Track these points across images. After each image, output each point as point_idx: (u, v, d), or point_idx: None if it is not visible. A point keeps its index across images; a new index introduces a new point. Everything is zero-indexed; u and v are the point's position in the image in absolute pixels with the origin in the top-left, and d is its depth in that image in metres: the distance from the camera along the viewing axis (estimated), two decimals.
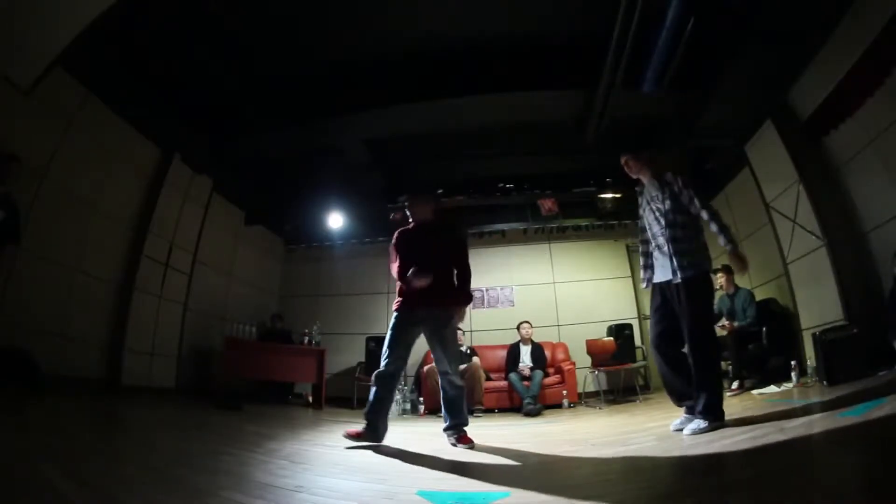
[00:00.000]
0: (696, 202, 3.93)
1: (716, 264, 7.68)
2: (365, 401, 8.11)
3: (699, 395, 3.72)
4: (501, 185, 8.86)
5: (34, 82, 4.92)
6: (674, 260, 3.89)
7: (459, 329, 4.97)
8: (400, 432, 5.40)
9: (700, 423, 3.56)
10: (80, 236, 5.81)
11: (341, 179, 8.67)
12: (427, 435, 5.20)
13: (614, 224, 9.95)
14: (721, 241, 3.93)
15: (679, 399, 3.99)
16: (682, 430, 3.73)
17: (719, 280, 7.07)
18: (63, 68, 5.27)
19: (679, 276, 3.85)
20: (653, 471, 2.54)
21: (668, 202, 4.03)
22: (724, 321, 6.80)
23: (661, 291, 4.02)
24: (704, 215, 3.92)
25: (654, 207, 4.13)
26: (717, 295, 7.25)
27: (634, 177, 4.36)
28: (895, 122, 5.08)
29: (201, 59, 6.05)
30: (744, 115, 6.65)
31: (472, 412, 7.30)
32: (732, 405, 5.26)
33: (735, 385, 6.16)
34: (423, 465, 3.32)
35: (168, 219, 7.05)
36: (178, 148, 7.16)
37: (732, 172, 8.03)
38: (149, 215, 6.75)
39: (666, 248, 3.96)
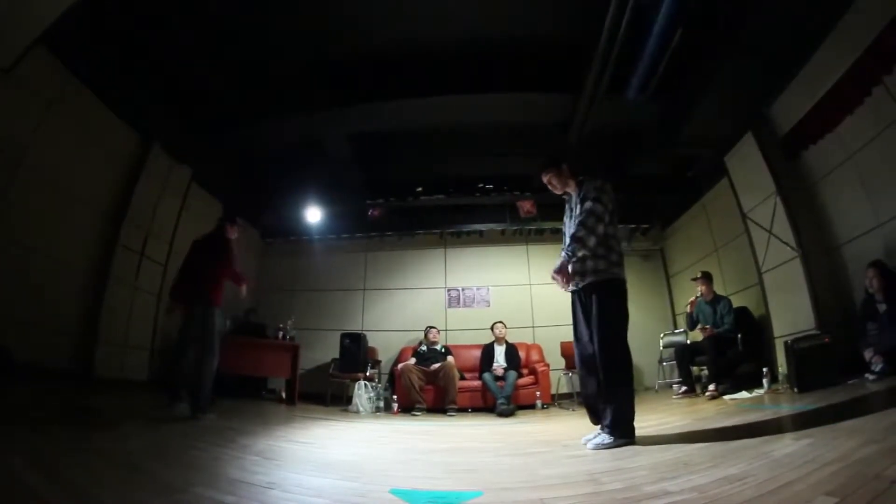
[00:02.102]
0: (587, 205, 3.75)
1: (694, 271, 7.81)
2: (339, 398, 8.11)
3: (606, 407, 3.60)
4: (481, 185, 8.89)
5: (14, 61, 4.82)
6: (587, 264, 3.76)
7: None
8: (373, 430, 5.40)
9: (605, 438, 3.46)
10: (54, 222, 5.68)
11: (321, 174, 8.64)
12: (400, 433, 5.20)
13: None
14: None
15: (596, 417, 3.85)
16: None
17: (699, 287, 7.15)
18: (45, 48, 5.16)
19: (588, 279, 3.75)
20: (625, 472, 2.56)
21: (577, 207, 3.91)
22: (706, 325, 6.86)
23: (578, 298, 3.90)
24: (581, 217, 3.73)
25: (572, 216, 4.01)
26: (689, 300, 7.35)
27: (560, 193, 4.24)
28: (873, 140, 5.19)
29: (186, 48, 6.00)
30: (725, 126, 6.73)
31: (445, 411, 7.32)
32: (706, 409, 5.33)
33: (712, 387, 6.21)
34: (396, 463, 3.32)
35: (145, 208, 6.92)
36: (158, 136, 7.03)
37: (711, 182, 8.13)
38: (125, 203, 6.62)
39: (579, 254, 3.78)
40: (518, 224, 9.74)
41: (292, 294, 10.32)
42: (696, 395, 6.54)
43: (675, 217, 9.68)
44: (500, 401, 7.27)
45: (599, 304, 3.68)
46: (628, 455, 3.10)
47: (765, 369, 6.01)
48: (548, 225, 9.72)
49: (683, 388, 6.71)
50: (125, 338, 6.50)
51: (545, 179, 4.24)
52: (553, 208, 9.20)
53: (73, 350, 5.87)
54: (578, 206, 3.89)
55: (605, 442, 3.42)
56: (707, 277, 7.15)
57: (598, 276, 3.72)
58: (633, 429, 3.53)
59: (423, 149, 8.29)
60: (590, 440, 3.63)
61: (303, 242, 10.64)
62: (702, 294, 7.19)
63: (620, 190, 8.70)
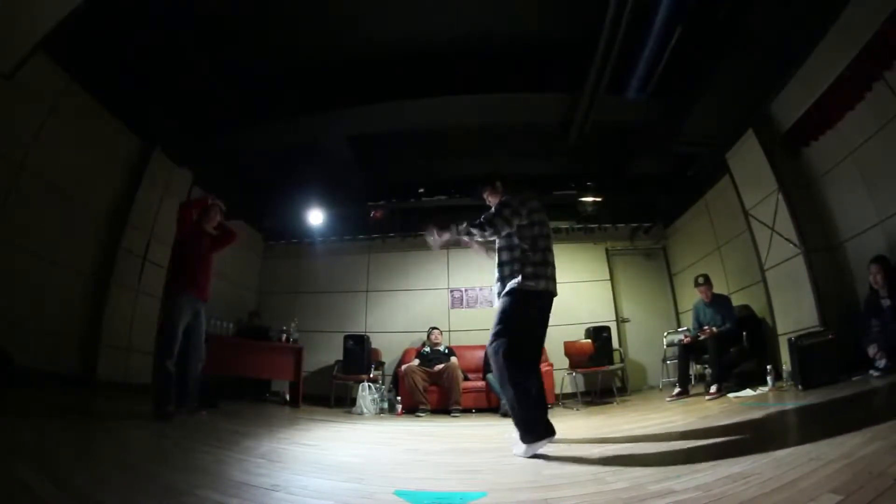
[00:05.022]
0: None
1: (697, 269, 7.81)
2: (343, 400, 8.13)
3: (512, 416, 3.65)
4: None
5: (15, 67, 4.82)
6: (497, 283, 3.87)
7: None
8: (377, 431, 5.39)
9: (517, 448, 3.44)
10: (56, 227, 5.68)
11: (323, 176, 8.64)
12: (404, 434, 5.20)
13: (594, 227, 10.06)
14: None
15: None
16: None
17: (699, 291, 7.11)
18: (46, 53, 5.15)
19: (497, 296, 3.86)
20: (630, 471, 2.55)
21: None
22: (705, 327, 6.82)
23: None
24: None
25: None
26: (695, 303, 7.32)
27: None
28: (874, 136, 5.20)
29: (186, 50, 5.99)
30: (726, 124, 6.73)
31: (449, 412, 7.32)
32: (710, 407, 5.32)
33: (714, 388, 6.20)
34: (400, 464, 3.32)
35: (147, 211, 6.91)
36: (159, 139, 7.03)
37: (713, 179, 8.13)
38: (127, 207, 6.62)
39: (496, 272, 3.92)
40: None
41: (295, 296, 10.34)
42: (690, 397, 6.51)
43: (677, 215, 9.68)
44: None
45: (499, 309, 3.77)
46: (632, 454, 3.10)
47: (768, 367, 5.99)
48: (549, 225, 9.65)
49: (677, 390, 6.65)
50: (128, 341, 6.50)
51: (484, 195, 4.33)
52: (554, 209, 9.22)
53: (75, 354, 5.88)
54: None
55: (519, 452, 3.39)
56: (708, 282, 7.12)
57: (508, 286, 3.75)
58: (539, 429, 3.45)
59: (424, 150, 8.29)
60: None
61: (305, 245, 10.67)
62: (703, 297, 7.14)
63: (622, 189, 8.79)
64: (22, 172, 5.19)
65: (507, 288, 3.73)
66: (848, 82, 5.30)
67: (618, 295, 10.03)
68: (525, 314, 3.72)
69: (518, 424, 3.47)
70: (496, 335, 3.67)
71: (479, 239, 3.87)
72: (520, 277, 3.69)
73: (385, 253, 10.64)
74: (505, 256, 3.85)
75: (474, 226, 3.79)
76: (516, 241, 3.82)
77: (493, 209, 3.91)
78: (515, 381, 3.56)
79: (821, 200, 6.14)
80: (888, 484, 1.72)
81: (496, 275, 3.89)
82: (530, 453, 3.31)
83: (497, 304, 3.84)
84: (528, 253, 3.78)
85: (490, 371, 7.82)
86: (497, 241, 3.94)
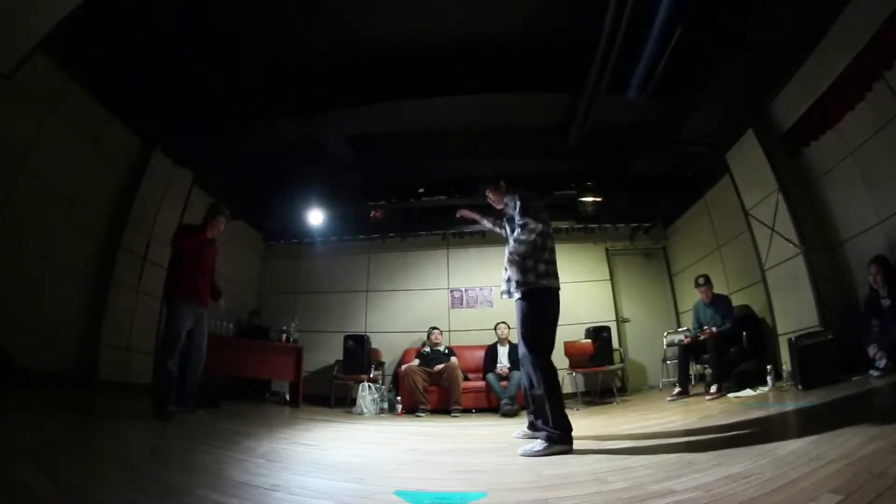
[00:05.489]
0: (518, 211, 3.99)
1: (697, 269, 7.81)
2: (343, 400, 8.13)
3: (537, 415, 3.81)
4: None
5: (15, 67, 4.82)
6: (512, 278, 3.94)
7: None
8: (377, 431, 5.39)
9: (536, 445, 3.48)
10: (56, 227, 5.68)
11: (323, 176, 8.63)
12: (404, 434, 5.19)
13: (594, 227, 10.07)
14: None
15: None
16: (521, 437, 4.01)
17: (699, 291, 7.11)
18: (46, 53, 5.15)
19: (515, 293, 3.95)
20: (630, 471, 2.55)
21: (509, 222, 4.20)
22: (705, 327, 6.82)
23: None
24: (518, 222, 3.94)
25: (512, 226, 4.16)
26: (695, 303, 7.32)
27: (499, 207, 4.45)
28: (874, 136, 5.20)
29: (186, 49, 5.97)
30: (726, 124, 6.73)
31: (449, 412, 7.31)
32: (710, 407, 5.32)
33: (714, 388, 6.20)
34: (400, 464, 3.32)
35: (147, 211, 6.91)
36: (159, 139, 7.03)
37: (713, 180, 8.14)
38: (127, 207, 6.62)
39: (509, 267, 3.96)
40: None
41: (295, 296, 10.34)
42: (690, 397, 6.51)
43: (677, 215, 9.68)
44: (504, 401, 7.27)
45: (522, 312, 3.94)
46: (632, 454, 3.10)
47: (768, 367, 5.99)
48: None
49: (677, 390, 6.66)
50: (128, 341, 6.49)
51: (487, 195, 4.51)
52: (554, 209, 9.21)
53: (76, 354, 5.87)
54: (509, 222, 4.22)
55: (536, 449, 3.43)
56: (708, 282, 7.13)
57: (527, 286, 3.86)
58: (563, 435, 3.51)
59: (424, 150, 8.27)
60: (519, 435, 4.11)
61: (305, 245, 10.66)
62: (704, 297, 7.14)
63: (622, 189, 8.79)
64: (22, 172, 5.19)
65: (525, 289, 3.85)
66: (848, 82, 5.31)
67: (618, 295, 10.03)
68: (550, 310, 3.89)
69: (557, 424, 3.55)
70: (534, 344, 3.82)
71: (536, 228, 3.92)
72: (534, 276, 3.83)
73: (385, 253, 10.64)
74: (522, 251, 3.92)
75: (525, 226, 3.89)
76: (540, 240, 3.94)
77: (519, 207, 3.99)
78: (553, 380, 3.73)
79: (821, 200, 6.14)
80: (888, 484, 1.72)
81: (512, 270, 3.95)
82: (550, 452, 3.38)
83: (517, 306, 3.98)
84: (539, 251, 3.90)
85: (490, 371, 7.85)
86: (511, 237, 4.05)
